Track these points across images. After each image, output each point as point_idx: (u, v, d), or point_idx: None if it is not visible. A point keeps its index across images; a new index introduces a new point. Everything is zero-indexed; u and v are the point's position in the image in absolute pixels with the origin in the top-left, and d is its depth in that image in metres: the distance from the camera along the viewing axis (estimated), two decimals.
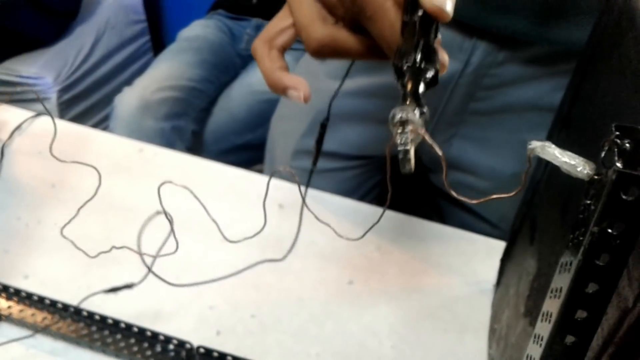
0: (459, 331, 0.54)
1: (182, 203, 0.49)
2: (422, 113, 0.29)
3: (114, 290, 0.50)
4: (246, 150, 1.21)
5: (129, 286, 0.50)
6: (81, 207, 0.60)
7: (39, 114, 0.76)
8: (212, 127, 1.22)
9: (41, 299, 0.52)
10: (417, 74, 0.31)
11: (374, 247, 0.61)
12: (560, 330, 0.20)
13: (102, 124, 1.54)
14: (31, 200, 0.64)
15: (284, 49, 0.42)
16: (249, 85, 1.25)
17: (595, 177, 0.19)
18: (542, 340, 0.21)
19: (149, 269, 0.45)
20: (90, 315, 0.51)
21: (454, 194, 0.25)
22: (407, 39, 0.33)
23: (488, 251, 0.60)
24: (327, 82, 0.69)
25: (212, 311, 0.54)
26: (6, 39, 1.35)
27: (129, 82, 1.28)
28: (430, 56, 0.32)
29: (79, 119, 1.46)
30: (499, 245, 0.57)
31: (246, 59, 1.35)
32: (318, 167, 0.43)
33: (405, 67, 0.31)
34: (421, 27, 0.33)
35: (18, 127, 0.72)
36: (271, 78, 0.40)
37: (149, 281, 0.50)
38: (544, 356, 0.20)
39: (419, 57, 0.31)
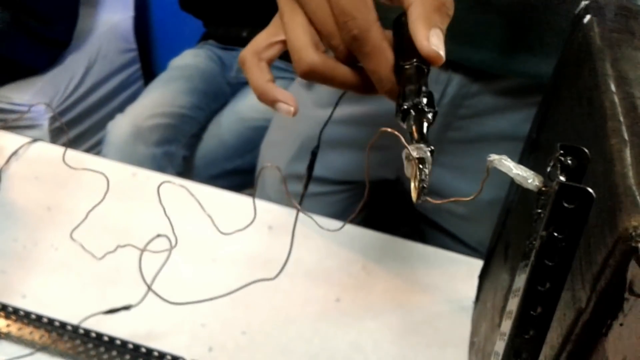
0: (441, 346, 0.56)
1: (175, 223, 0.51)
2: (431, 151, 0.31)
3: (112, 311, 0.52)
4: (235, 175, 1.24)
5: (126, 307, 0.52)
6: (73, 229, 0.62)
7: (35, 140, 0.78)
8: (202, 152, 1.25)
9: (39, 318, 0.54)
10: (421, 115, 0.34)
11: (360, 267, 0.63)
12: (520, 325, 0.23)
13: (94, 150, 1.57)
14: (28, 222, 0.66)
15: (271, 62, 0.44)
16: (238, 112, 1.28)
17: (543, 188, 0.22)
18: (505, 336, 0.24)
19: (149, 287, 0.48)
20: (87, 333, 0.53)
21: (429, 199, 0.28)
22: (408, 83, 0.36)
23: (468, 270, 0.63)
24: (315, 110, 0.73)
25: (204, 328, 0.56)
26: (0, 66, 1.38)
27: (119, 109, 1.31)
28: (430, 98, 0.35)
29: (70, 145, 1.48)
30: (478, 265, 0.60)
31: (235, 87, 1.39)
32: (307, 191, 0.45)
33: (410, 109, 0.34)
34: (418, 71, 0.36)
35: (15, 153, 0.75)
36: (261, 89, 0.43)
37: (145, 301, 0.53)
38: (506, 349, 0.23)
39: (423, 100, 0.34)
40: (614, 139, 0.28)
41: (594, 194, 0.20)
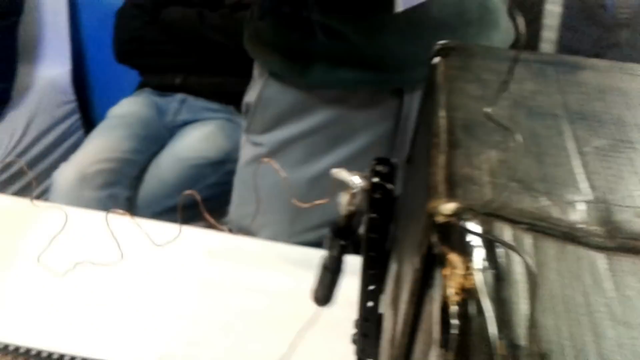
0: None
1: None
2: None
3: None
4: (176, 212, 1.31)
5: None
6: (39, 255, 0.69)
7: None
8: (144, 192, 1.33)
9: (5, 346, 0.61)
10: None
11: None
12: (364, 290, 0.33)
13: (39, 200, 1.61)
14: None
15: None
16: (176, 153, 1.38)
17: (367, 188, 0.32)
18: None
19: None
20: (50, 355, 0.61)
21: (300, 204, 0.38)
22: None
23: None
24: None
25: (154, 339, 0.65)
26: None
27: (61, 159, 1.38)
28: None
29: (16, 195, 1.52)
30: None
31: (172, 130, 1.49)
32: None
33: None
34: None
35: None
36: None
37: (100, 317, 0.61)
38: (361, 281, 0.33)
39: None
40: (434, 150, 0.40)
41: (391, 188, 0.30)
